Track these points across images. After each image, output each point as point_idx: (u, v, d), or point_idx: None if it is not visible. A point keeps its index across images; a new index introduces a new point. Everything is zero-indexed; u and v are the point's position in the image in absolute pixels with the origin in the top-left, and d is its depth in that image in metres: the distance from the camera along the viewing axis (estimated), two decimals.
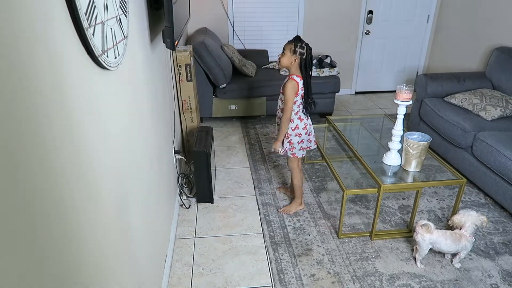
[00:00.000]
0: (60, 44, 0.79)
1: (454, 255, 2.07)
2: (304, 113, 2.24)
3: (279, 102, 2.27)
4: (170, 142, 2.38)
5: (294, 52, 2.06)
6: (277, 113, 2.33)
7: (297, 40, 2.07)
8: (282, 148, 2.30)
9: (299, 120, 2.24)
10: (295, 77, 2.11)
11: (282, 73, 3.88)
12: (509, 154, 2.37)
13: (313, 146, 2.39)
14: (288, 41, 2.10)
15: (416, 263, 2.06)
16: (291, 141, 2.27)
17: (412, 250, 2.16)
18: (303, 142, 2.32)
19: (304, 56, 2.06)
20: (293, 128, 2.24)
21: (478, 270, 2.03)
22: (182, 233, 2.32)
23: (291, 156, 2.33)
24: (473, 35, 3.91)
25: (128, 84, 1.35)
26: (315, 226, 2.38)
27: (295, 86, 2.10)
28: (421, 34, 4.69)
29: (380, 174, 2.25)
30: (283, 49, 2.11)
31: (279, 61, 2.14)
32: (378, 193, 2.11)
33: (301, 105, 2.21)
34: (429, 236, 1.97)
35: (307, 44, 2.08)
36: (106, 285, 1.01)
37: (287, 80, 2.13)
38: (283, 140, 2.27)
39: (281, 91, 2.20)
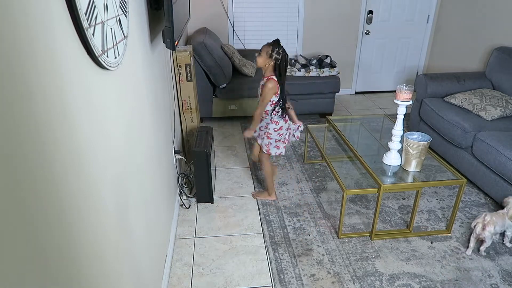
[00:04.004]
0: (60, 44, 0.79)
1: (502, 236, 2.19)
2: (282, 116, 2.35)
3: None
4: (170, 142, 2.38)
5: (270, 56, 2.17)
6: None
7: (275, 45, 2.17)
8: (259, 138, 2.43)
9: (284, 122, 2.36)
10: (275, 77, 2.22)
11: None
12: (509, 154, 2.37)
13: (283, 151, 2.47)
14: (267, 43, 2.21)
15: (480, 253, 2.14)
16: (270, 140, 2.38)
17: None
18: (282, 142, 2.42)
19: (279, 62, 2.17)
20: (276, 129, 2.34)
21: (478, 270, 2.03)
22: (182, 233, 2.32)
23: (266, 152, 2.43)
24: (473, 35, 3.91)
25: (128, 84, 1.35)
26: (315, 226, 2.38)
27: (275, 86, 2.22)
28: (421, 34, 4.69)
29: (380, 174, 2.25)
30: (261, 49, 2.21)
31: (255, 60, 2.25)
32: (378, 193, 2.11)
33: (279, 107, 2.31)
34: (493, 227, 2.04)
35: (284, 50, 2.19)
36: (106, 285, 1.01)
37: (267, 80, 2.22)
38: (264, 137, 2.38)
39: (260, 93, 2.29)
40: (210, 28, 4.25)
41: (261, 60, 2.20)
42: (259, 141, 2.44)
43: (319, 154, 3.25)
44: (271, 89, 2.21)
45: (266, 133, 2.35)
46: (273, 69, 2.21)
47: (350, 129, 3.01)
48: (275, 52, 2.16)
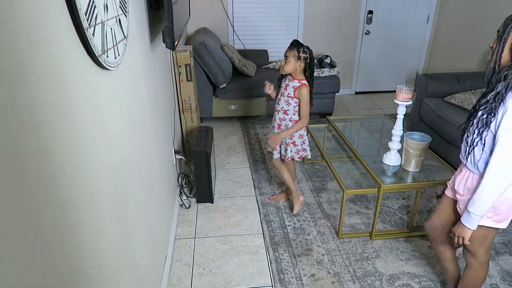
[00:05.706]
0: (60, 44, 0.79)
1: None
2: None
3: (284, 104, 2.20)
4: (170, 142, 2.38)
5: (299, 58, 2.07)
6: (278, 114, 2.25)
7: (298, 45, 2.07)
8: (279, 149, 2.32)
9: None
10: (306, 82, 2.14)
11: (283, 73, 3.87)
12: None
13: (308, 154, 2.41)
14: (289, 48, 2.09)
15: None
16: (296, 143, 2.29)
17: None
18: (304, 143, 2.34)
19: (308, 60, 2.09)
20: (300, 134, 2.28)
21: None
22: (182, 233, 2.32)
23: (298, 159, 2.35)
24: (473, 35, 3.91)
25: (128, 84, 1.35)
26: (315, 226, 2.38)
27: (309, 91, 2.14)
28: (421, 34, 4.69)
29: (380, 174, 2.25)
30: (286, 56, 2.10)
31: (283, 69, 2.13)
32: (378, 193, 2.11)
33: None
34: None
35: (308, 47, 2.09)
36: (106, 285, 1.01)
37: (300, 86, 2.13)
38: (287, 146, 2.28)
39: (291, 95, 2.16)
40: (210, 28, 4.25)
41: (291, 66, 2.09)
42: (283, 151, 2.33)
43: (319, 154, 3.25)
44: (307, 95, 2.13)
45: (292, 140, 2.27)
46: (303, 70, 2.12)
47: (350, 129, 3.02)
48: (301, 52, 2.06)
